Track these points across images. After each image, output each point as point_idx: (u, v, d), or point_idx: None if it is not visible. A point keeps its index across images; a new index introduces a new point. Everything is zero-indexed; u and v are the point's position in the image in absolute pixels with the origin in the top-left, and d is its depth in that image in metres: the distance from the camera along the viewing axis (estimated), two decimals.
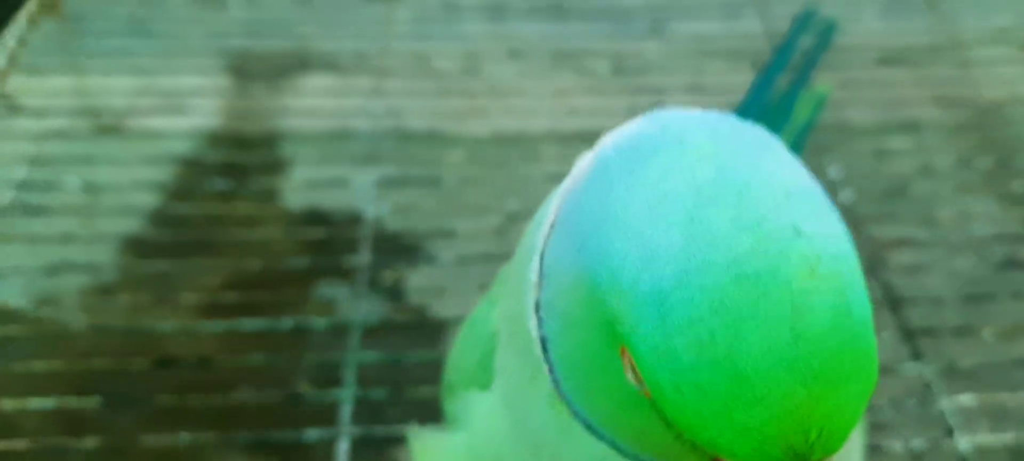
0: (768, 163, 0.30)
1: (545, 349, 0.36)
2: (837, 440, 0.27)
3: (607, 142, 0.34)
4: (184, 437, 0.78)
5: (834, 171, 1.06)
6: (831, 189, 1.04)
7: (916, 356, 0.84)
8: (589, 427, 0.36)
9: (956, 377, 0.83)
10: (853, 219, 1.00)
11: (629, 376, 0.31)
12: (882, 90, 1.22)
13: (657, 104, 1.18)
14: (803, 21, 0.84)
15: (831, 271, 0.28)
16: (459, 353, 0.49)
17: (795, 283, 0.27)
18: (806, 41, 0.84)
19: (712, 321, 0.27)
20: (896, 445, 0.78)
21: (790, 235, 0.28)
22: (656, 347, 0.28)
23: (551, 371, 0.35)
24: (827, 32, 0.84)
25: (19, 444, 0.77)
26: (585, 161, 0.35)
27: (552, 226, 0.35)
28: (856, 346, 0.27)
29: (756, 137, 0.32)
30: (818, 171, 1.07)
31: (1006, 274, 0.95)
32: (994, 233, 1.00)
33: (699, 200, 0.30)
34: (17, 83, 1.23)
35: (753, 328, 0.27)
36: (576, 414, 0.36)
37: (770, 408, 0.26)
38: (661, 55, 1.31)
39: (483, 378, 0.46)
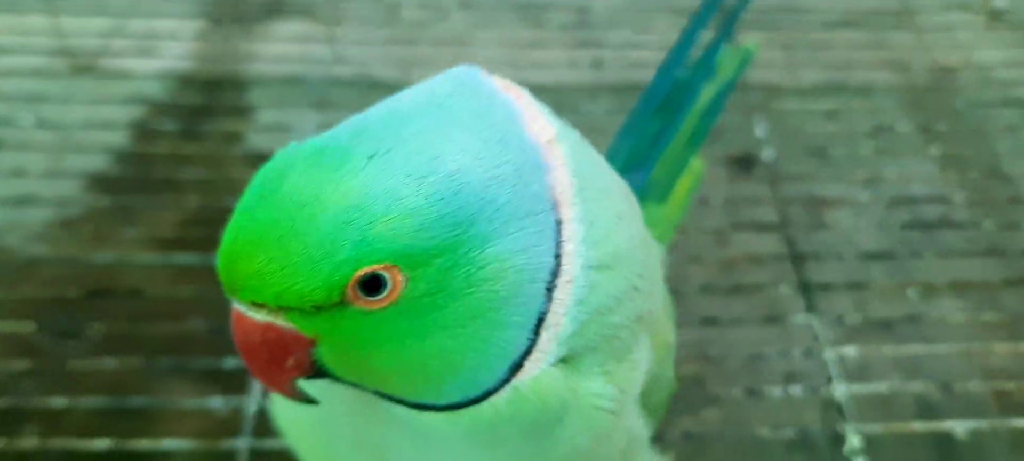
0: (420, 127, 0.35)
1: None
2: (238, 286, 0.34)
3: None
4: (110, 362, 0.84)
5: (760, 129, 1.09)
6: (755, 147, 1.07)
7: (809, 309, 0.88)
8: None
9: (843, 330, 0.88)
10: (771, 177, 1.03)
11: None
12: (824, 52, 1.24)
13: (595, 58, 1.22)
14: None
15: (323, 191, 0.33)
16: None
17: (287, 187, 0.34)
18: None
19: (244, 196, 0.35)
20: (776, 391, 0.82)
21: (328, 157, 0.34)
22: None
23: None
24: None
25: None
26: None
27: None
28: (268, 237, 0.33)
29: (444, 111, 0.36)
30: (745, 128, 1.11)
31: (907, 234, 0.98)
32: (902, 195, 1.03)
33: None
34: None
35: (245, 200, 0.35)
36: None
37: (222, 250, 0.34)
38: (612, 10, 1.33)
39: None
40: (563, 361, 0.37)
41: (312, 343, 0.35)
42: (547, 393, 0.37)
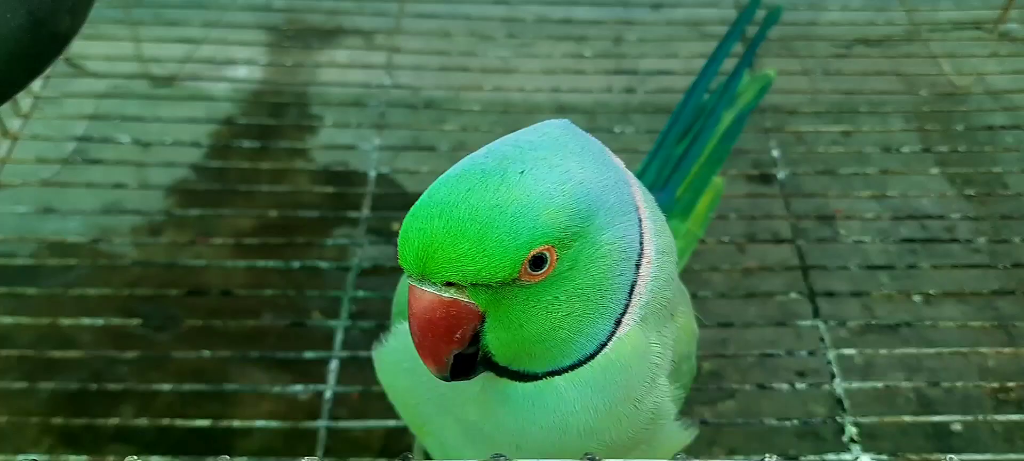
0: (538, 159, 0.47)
1: None
2: (439, 269, 0.44)
3: None
4: (206, 354, 0.97)
5: (776, 151, 1.20)
6: (771, 166, 1.18)
7: (816, 314, 0.99)
8: None
9: (847, 333, 0.99)
10: (785, 193, 1.15)
11: None
12: (837, 77, 1.35)
13: (628, 84, 1.33)
14: (751, 6, 0.95)
15: (499, 197, 0.45)
16: (399, 294, 0.66)
17: (471, 198, 0.45)
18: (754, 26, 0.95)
19: (422, 198, 0.46)
20: (784, 386, 0.94)
21: (490, 175, 0.46)
22: None
23: None
24: (770, 18, 0.94)
25: (74, 354, 0.97)
26: None
27: None
28: (469, 229, 0.44)
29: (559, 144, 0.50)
30: (762, 149, 1.22)
31: (909, 247, 1.09)
32: (906, 211, 1.14)
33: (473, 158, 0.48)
34: (80, 46, 1.42)
35: (431, 207, 0.45)
36: None
37: (409, 230, 0.45)
38: (643, 38, 1.45)
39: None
40: (637, 323, 0.52)
41: (481, 318, 0.47)
42: (635, 341, 0.52)
